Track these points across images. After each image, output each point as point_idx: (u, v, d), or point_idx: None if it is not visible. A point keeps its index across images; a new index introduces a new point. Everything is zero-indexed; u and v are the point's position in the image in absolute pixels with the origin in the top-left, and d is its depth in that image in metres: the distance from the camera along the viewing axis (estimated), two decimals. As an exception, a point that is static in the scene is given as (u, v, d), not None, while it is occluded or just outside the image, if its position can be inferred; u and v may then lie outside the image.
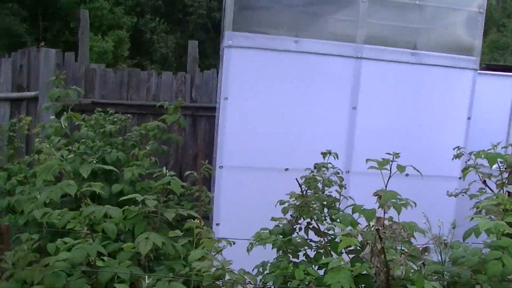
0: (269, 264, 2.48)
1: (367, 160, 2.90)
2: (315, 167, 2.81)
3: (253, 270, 2.70)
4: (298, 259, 2.58)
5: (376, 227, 2.06)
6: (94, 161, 4.36)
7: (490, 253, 2.28)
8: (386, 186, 2.64)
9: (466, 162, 3.67)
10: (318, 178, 2.72)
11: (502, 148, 3.69)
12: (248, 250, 2.73)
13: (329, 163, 3.27)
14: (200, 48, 21.86)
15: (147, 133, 4.86)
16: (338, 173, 2.83)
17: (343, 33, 4.61)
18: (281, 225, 2.66)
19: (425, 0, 4.74)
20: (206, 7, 20.29)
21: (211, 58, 22.12)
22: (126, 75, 6.81)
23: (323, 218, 2.58)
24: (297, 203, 2.64)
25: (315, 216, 2.56)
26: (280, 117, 4.52)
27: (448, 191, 3.52)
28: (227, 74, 4.39)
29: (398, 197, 2.54)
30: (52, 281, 2.38)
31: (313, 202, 2.58)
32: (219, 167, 4.43)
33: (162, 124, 4.79)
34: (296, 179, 2.81)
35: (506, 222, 2.44)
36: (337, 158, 3.49)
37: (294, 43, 4.47)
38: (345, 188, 3.16)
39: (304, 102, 4.55)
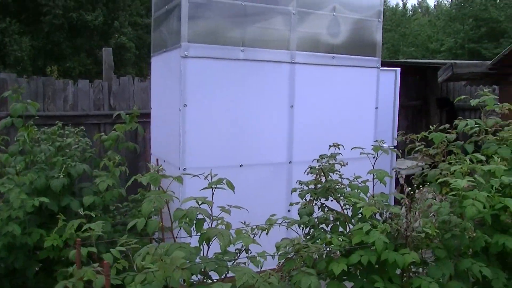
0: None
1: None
2: (322, 158, 3.43)
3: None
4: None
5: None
6: (61, 176, 4.52)
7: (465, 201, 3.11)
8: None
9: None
10: (325, 167, 3.36)
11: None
12: (266, 231, 3.24)
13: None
14: (58, 50, 21.00)
15: (102, 143, 5.07)
16: (340, 164, 3.48)
17: (280, 42, 5.28)
18: (304, 208, 3.26)
19: (338, 12, 5.60)
20: (61, 7, 19.53)
21: (68, 59, 21.40)
22: (41, 85, 6.75)
23: (339, 196, 3.23)
24: (314, 188, 3.28)
25: (332, 195, 3.22)
26: (233, 119, 5.07)
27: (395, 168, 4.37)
28: (184, 83, 4.81)
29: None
30: None
31: (330, 186, 3.23)
32: (183, 169, 4.82)
33: (121, 134, 5.03)
34: (310, 167, 3.41)
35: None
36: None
37: (241, 52, 5.05)
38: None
39: (252, 104, 5.15)
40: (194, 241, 2.76)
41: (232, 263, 2.78)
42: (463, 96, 4.25)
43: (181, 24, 4.79)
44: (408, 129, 9.48)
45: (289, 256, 2.82)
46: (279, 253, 2.84)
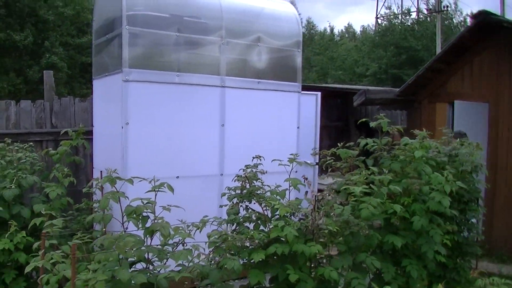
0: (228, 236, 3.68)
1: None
2: (247, 167, 4.08)
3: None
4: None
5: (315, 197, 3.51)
6: (13, 186, 4.95)
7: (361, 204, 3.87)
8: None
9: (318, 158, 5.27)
10: (249, 175, 4.01)
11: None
12: (200, 229, 3.84)
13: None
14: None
15: (50, 157, 5.53)
16: (261, 172, 4.13)
17: (211, 68, 5.97)
18: (232, 208, 3.89)
19: (262, 42, 6.36)
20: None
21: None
22: (-17, 106, 7.06)
23: (260, 199, 3.89)
24: (239, 192, 3.94)
25: (254, 198, 3.88)
26: (170, 136, 5.67)
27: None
28: (126, 103, 5.38)
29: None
30: None
31: (252, 190, 3.89)
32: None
33: (67, 149, 5.50)
34: (237, 175, 4.05)
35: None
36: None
37: (176, 76, 5.68)
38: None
39: (187, 123, 5.78)
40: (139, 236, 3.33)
41: (171, 253, 3.37)
42: (364, 119, 5.04)
43: (122, 51, 5.37)
44: (331, 147, 10.34)
45: (217, 245, 3.44)
46: (209, 241, 3.46)
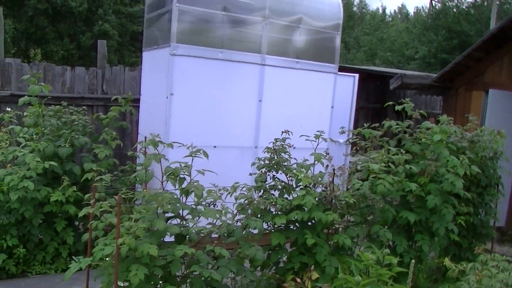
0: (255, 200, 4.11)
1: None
2: (276, 141, 4.47)
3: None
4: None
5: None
6: (67, 145, 5.50)
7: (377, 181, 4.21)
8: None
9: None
10: (277, 148, 4.42)
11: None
12: (230, 194, 4.24)
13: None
14: (41, 34, 21.54)
15: (100, 121, 6.07)
16: (288, 145, 4.52)
17: (253, 46, 6.34)
18: (260, 176, 4.32)
19: (303, 23, 6.67)
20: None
21: (51, 43, 21.98)
22: (42, 69, 7.66)
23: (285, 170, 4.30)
24: (269, 163, 4.35)
25: (281, 168, 4.28)
26: (210, 108, 6.10)
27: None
28: (171, 76, 5.83)
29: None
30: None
31: (279, 161, 4.30)
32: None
33: (116, 114, 6.02)
34: (267, 147, 4.46)
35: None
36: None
37: (220, 53, 6.08)
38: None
39: (227, 97, 6.20)
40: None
41: (202, 211, 3.81)
42: (390, 103, 5.35)
43: (171, 27, 5.80)
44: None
45: (243, 207, 3.88)
46: (236, 203, 3.90)
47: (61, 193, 5.24)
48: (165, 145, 3.96)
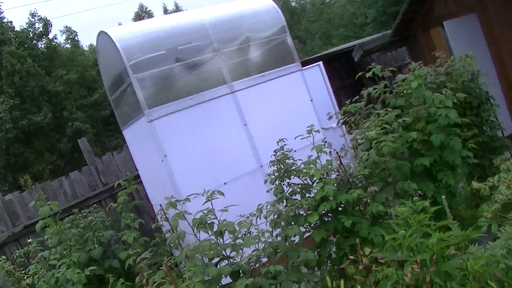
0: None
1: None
2: (276, 152, 4.67)
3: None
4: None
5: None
6: (96, 246, 5.69)
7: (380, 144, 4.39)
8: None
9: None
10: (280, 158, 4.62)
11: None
12: (258, 217, 4.41)
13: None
14: (22, 160, 21.41)
15: (115, 210, 6.26)
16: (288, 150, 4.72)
17: (217, 80, 6.57)
18: (276, 189, 4.51)
19: (252, 40, 6.93)
20: (10, 120, 20.55)
21: (35, 164, 22.16)
22: (41, 190, 7.82)
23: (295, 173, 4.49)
24: (278, 174, 4.55)
25: (294, 172, 4.47)
26: (205, 151, 6.30)
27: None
28: (157, 140, 6.04)
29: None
30: None
31: (287, 168, 4.51)
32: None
33: (126, 197, 6.20)
34: (271, 161, 4.65)
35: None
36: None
37: (190, 100, 6.31)
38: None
39: (214, 133, 6.40)
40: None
41: (242, 243, 3.98)
42: (360, 73, 5.58)
43: (138, 97, 6.04)
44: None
45: (275, 221, 4.05)
46: (268, 221, 4.07)
47: (115, 290, 5.39)
48: (181, 202, 4.13)
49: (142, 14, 44.75)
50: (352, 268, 3.88)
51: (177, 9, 46.28)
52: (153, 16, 42.87)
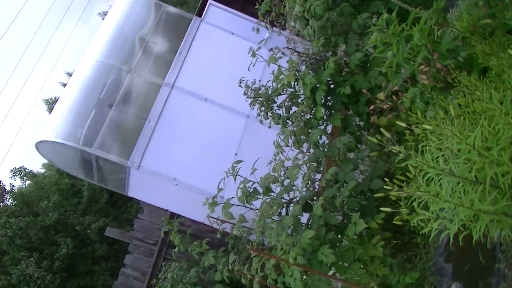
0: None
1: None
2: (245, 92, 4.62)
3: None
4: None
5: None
6: None
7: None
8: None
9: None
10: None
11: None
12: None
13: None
14: None
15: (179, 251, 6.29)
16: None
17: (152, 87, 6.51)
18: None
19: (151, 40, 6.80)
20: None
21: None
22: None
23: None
24: (264, 107, 4.51)
25: (274, 94, 4.45)
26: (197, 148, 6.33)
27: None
28: (161, 175, 6.04)
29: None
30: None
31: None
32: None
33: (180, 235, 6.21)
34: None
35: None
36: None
37: (149, 123, 6.24)
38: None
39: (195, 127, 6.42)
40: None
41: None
42: None
43: (112, 161, 5.97)
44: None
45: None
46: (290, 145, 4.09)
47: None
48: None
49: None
50: (381, 118, 3.85)
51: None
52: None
